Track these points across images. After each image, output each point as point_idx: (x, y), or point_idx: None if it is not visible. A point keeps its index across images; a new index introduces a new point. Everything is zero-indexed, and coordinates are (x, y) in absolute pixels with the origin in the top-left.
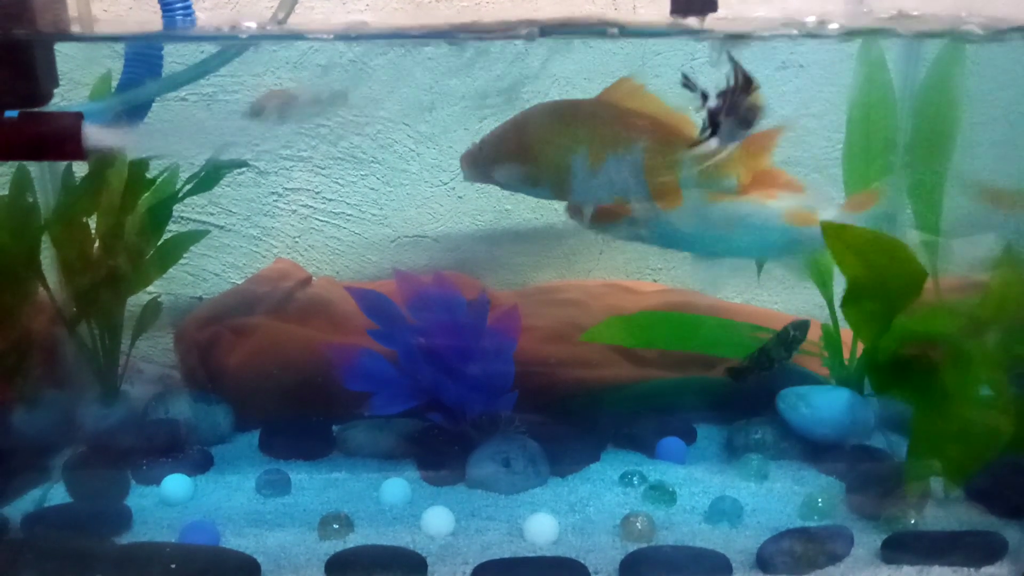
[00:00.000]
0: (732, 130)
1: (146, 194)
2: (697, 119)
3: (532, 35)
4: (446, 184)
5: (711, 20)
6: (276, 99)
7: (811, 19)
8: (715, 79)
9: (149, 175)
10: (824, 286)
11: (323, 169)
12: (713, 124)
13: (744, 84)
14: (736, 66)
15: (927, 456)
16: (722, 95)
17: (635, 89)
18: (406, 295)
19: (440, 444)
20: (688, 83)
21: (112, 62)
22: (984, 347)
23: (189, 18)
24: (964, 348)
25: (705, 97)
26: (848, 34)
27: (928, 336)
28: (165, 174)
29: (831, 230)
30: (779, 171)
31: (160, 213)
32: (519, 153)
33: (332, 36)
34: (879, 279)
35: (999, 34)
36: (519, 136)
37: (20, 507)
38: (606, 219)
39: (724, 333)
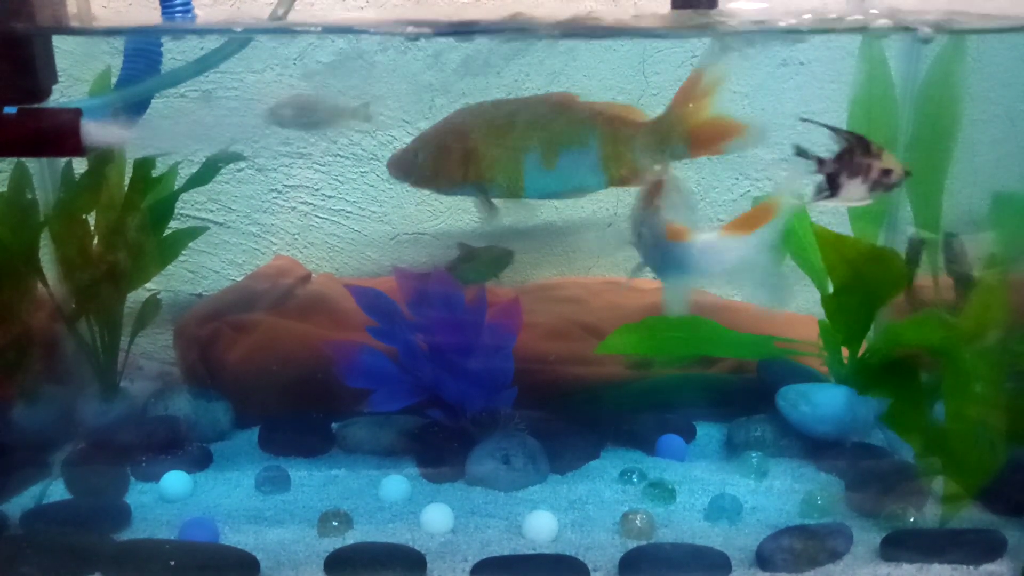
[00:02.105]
0: (860, 191)
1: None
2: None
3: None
4: None
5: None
6: (295, 104)
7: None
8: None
9: (154, 174)
10: (822, 285)
11: (323, 166)
12: (832, 185)
13: (860, 145)
14: (842, 133)
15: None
16: (838, 158)
17: (570, 97)
18: (405, 292)
19: (440, 441)
20: (801, 152)
21: (111, 58)
22: (975, 359)
23: (188, 15)
24: (959, 362)
25: (821, 162)
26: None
27: (916, 344)
28: (165, 171)
29: (826, 239)
30: (727, 119)
31: (161, 210)
32: (465, 159)
33: (320, 29)
34: (863, 281)
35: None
36: (463, 141)
37: (19, 503)
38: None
39: (736, 334)
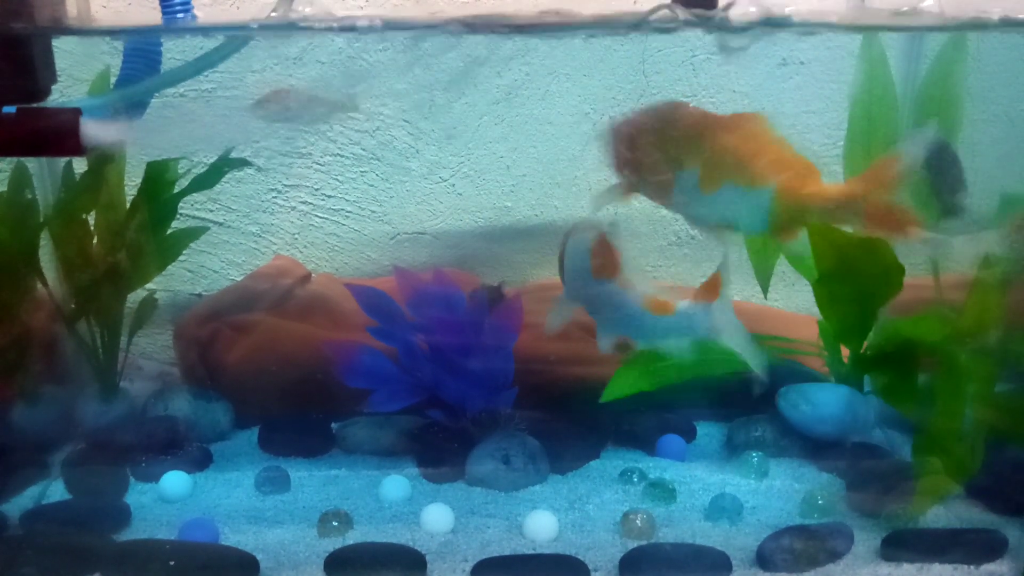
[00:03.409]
0: None
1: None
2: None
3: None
4: (445, 181)
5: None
6: (282, 97)
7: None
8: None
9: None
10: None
11: (322, 166)
12: None
13: None
14: None
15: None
16: None
17: (765, 127)
18: (406, 292)
19: (440, 441)
20: None
21: (111, 58)
22: (972, 358)
23: (188, 15)
24: (955, 358)
25: None
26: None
27: (916, 341)
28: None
29: (816, 229)
30: (907, 210)
31: (164, 210)
32: (637, 152)
33: (333, 27)
34: (853, 270)
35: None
36: (640, 135)
37: (19, 504)
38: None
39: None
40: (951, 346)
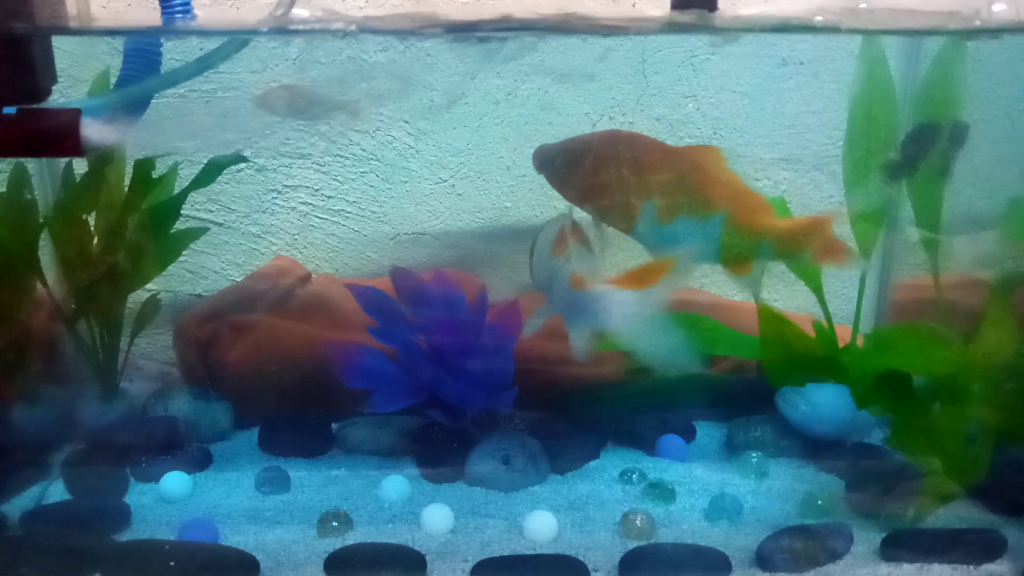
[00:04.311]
0: None
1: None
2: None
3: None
4: (445, 181)
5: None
6: (284, 95)
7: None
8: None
9: (154, 175)
10: (816, 288)
11: (322, 166)
12: None
13: None
14: None
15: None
16: None
17: (718, 160)
18: (403, 292)
19: (440, 441)
20: None
21: (111, 59)
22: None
23: (188, 15)
24: (959, 387)
25: None
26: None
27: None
28: (166, 172)
29: (767, 314)
30: (842, 243)
31: (166, 211)
32: (590, 183)
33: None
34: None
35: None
36: (595, 166)
37: (19, 504)
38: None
39: (738, 333)
40: (962, 379)
